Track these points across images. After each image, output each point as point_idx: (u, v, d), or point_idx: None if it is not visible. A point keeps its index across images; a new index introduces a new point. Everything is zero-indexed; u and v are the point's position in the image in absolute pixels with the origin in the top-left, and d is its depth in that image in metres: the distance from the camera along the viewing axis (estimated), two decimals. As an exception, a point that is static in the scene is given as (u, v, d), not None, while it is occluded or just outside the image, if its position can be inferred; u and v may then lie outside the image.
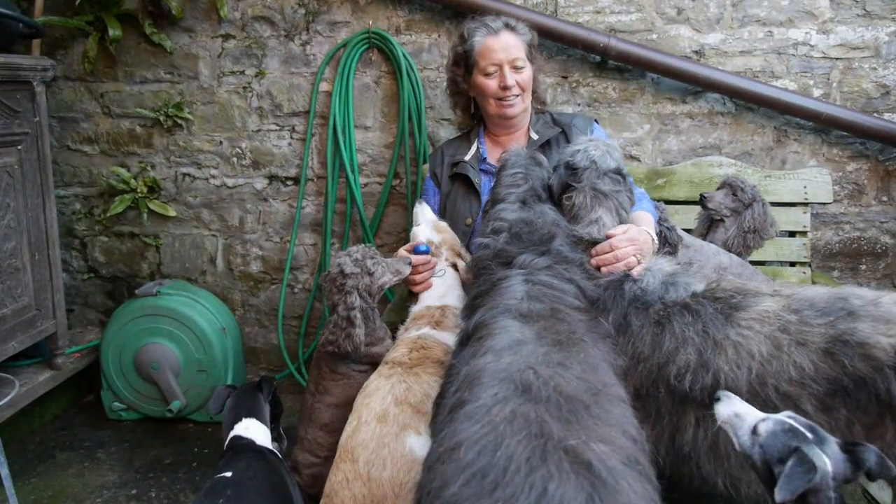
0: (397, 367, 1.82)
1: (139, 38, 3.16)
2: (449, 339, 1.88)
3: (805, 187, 2.87)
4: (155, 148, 3.28)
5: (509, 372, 1.21)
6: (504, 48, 2.24)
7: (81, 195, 3.37)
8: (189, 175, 3.30)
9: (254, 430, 1.77)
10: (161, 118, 3.19)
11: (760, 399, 1.41)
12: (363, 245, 2.08)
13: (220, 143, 3.25)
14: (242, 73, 3.19)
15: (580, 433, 1.04)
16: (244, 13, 3.12)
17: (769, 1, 2.90)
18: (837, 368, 1.37)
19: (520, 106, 2.31)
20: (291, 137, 3.22)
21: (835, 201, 2.99)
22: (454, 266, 2.08)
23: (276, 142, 3.23)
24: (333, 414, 1.90)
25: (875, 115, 2.91)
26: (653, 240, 1.89)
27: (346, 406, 1.77)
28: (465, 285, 2.00)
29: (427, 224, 2.19)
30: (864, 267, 3.10)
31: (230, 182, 3.29)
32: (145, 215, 3.27)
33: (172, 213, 3.29)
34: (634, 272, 1.68)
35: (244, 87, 3.19)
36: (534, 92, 2.39)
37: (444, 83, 3.03)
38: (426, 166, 2.93)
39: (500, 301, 1.49)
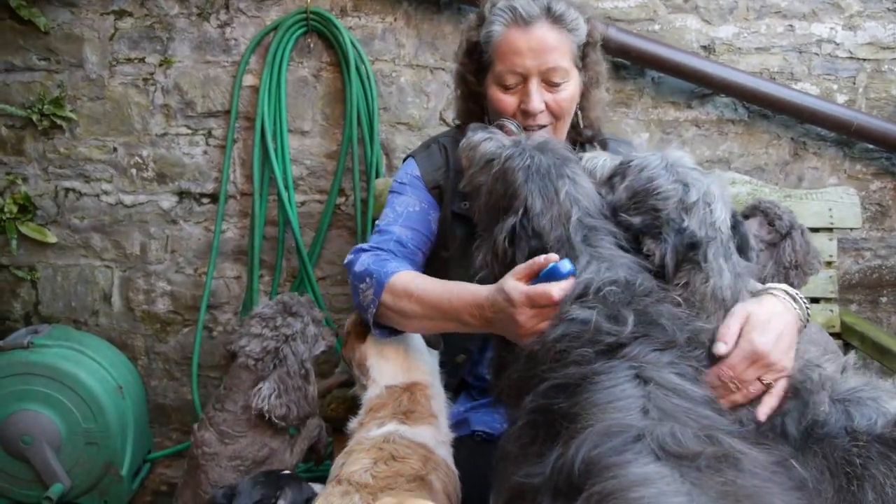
0: (355, 494, 1.31)
1: (3, 12, 2.66)
2: (429, 437, 1.40)
3: (830, 210, 2.48)
4: (27, 156, 2.81)
5: None
6: (536, 50, 1.46)
7: (-74, 215, 2.84)
8: (74, 190, 2.82)
9: None
10: (34, 117, 2.73)
11: None
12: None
13: (114, 149, 2.79)
14: (142, 60, 2.72)
15: None
16: (144, -16, 2.66)
17: (791, -12, 2.52)
18: None
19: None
20: (207, 144, 2.77)
21: (857, 225, 2.69)
22: None
23: (188, 149, 2.77)
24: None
25: (904, 125, 2.57)
26: (799, 323, 1.23)
27: None
28: None
29: None
30: (884, 299, 2.78)
31: (128, 199, 2.83)
32: (15, 242, 2.80)
33: (52, 238, 2.84)
34: (760, 412, 1.11)
35: (145, 79, 2.73)
36: (582, 109, 1.62)
37: (402, 78, 2.63)
38: (381, 181, 2.46)
39: (610, 419, 0.89)
